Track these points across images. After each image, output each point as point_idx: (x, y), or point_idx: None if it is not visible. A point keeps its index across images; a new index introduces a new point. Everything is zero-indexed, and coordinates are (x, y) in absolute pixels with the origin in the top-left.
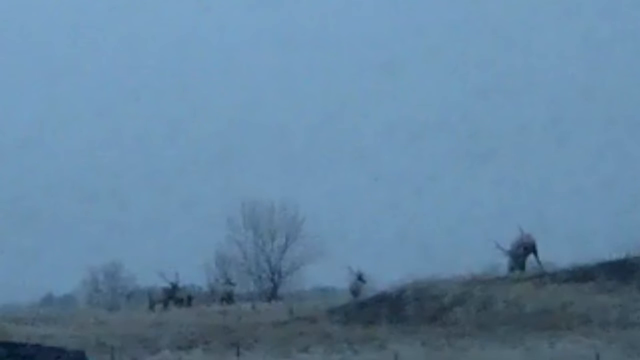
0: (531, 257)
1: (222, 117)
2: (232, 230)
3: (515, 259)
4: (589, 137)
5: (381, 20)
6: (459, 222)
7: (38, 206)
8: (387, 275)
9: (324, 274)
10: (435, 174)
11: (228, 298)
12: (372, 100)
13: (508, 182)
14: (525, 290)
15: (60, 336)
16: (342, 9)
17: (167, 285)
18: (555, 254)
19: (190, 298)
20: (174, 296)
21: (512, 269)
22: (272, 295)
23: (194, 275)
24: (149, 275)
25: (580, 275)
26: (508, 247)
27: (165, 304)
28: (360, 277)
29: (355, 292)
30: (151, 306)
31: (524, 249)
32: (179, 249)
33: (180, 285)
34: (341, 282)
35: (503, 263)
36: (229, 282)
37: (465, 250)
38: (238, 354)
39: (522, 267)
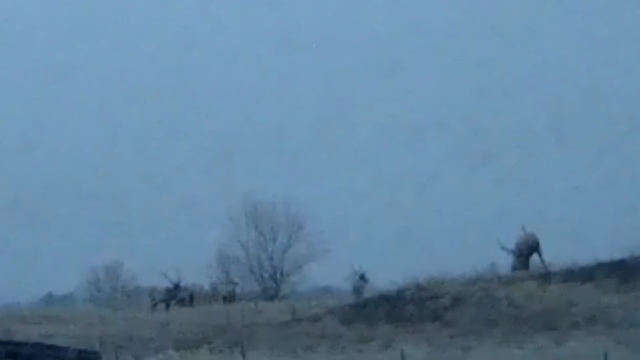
0: (535, 256)
1: (223, 116)
2: (234, 230)
3: (519, 258)
4: (589, 137)
5: (381, 20)
6: (459, 222)
7: (38, 206)
8: (387, 275)
9: (323, 273)
10: (435, 173)
11: (230, 297)
12: (372, 100)
13: (508, 182)
14: (530, 290)
15: (64, 335)
16: (343, 8)
17: (169, 284)
18: (555, 253)
19: (191, 297)
20: (176, 296)
21: (515, 268)
22: (275, 294)
23: (196, 274)
24: (149, 274)
25: (585, 274)
26: (511, 246)
27: (167, 304)
28: (362, 277)
29: (357, 291)
30: (153, 306)
31: (528, 249)
32: (181, 249)
33: (182, 284)
34: (340, 281)
35: (501, 262)
36: (231, 281)
37: (466, 250)
38: (243, 354)
39: (525, 266)
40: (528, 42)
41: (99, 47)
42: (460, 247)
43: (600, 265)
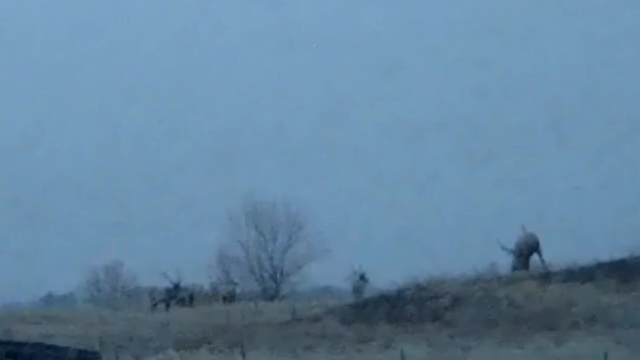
0: (535, 257)
1: (223, 116)
2: (234, 230)
3: (519, 258)
4: (589, 137)
5: (381, 20)
6: (459, 222)
7: (38, 206)
8: (387, 275)
9: (322, 273)
10: (435, 173)
11: (230, 298)
12: (372, 100)
13: (508, 182)
14: (530, 290)
15: (64, 335)
16: (343, 8)
17: (169, 284)
18: (555, 253)
19: (191, 297)
20: (176, 296)
21: (515, 268)
22: (275, 294)
23: (196, 274)
24: (149, 274)
25: (585, 274)
26: (511, 246)
27: (167, 304)
28: (362, 277)
29: (357, 291)
30: (153, 306)
31: (528, 249)
32: (180, 249)
33: (182, 284)
34: (340, 281)
35: (501, 262)
36: (231, 281)
37: (465, 250)
38: (243, 354)
39: (526, 266)
40: (528, 42)
41: (99, 47)
42: (460, 247)
43: (600, 265)
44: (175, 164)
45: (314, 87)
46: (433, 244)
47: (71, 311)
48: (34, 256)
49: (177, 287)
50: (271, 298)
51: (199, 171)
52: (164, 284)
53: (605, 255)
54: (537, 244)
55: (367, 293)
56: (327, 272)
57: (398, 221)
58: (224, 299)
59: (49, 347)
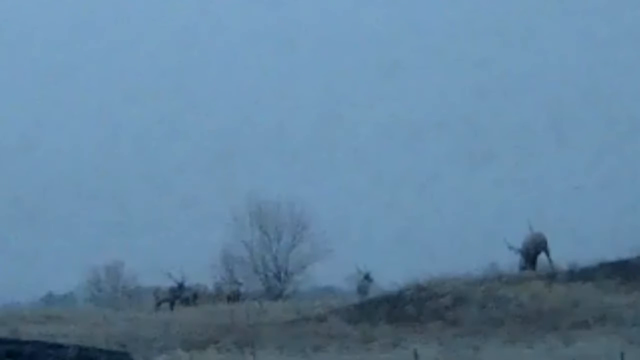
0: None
1: (223, 116)
2: (238, 230)
3: (527, 257)
4: (589, 137)
5: (381, 20)
6: (459, 222)
7: (38, 206)
8: (387, 275)
9: (324, 273)
10: (435, 173)
11: (234, 297)
12: (372, 100)
13: (508, 182)
14: (538, 289)
15: (70, 335)
16: (343, 8)
17: (172, 284)
18: (555, 253)
19: (195, 296)
20: (180, 295)
21: (523, 268)
22: (279, 294)
23: (200, 274)
24: (151, 274)
25: (592, 274)
26: (518, 246)
27: (172, 303)
28: (367, 277)
29: (362, 291)
30: (157, 305)
31: (535, 248)
32: (184, 249)
33: (186, 284)
34: (341, 281)
35: (501, 262)
36: (235, 281)
37: (466, 250)
38: (253, 354)
39: (533, 266)
40: (528, 42)
41: (99, 47)
42: (460, 247)
43: (606, 265)
44: (175, 164)
45: (314, 87)
46: (433, 244)
47: (73, 311)
48: (34, 256)
49: (181, 286)
50: (276, 298)
51: (200, 171)
52: (166, 283)
53: (605, 255)
54: (545, 243)
55: (372, 293)
56: (327, 272)
57: (398, 221)
58: (228, 298)
59: (60, 346)
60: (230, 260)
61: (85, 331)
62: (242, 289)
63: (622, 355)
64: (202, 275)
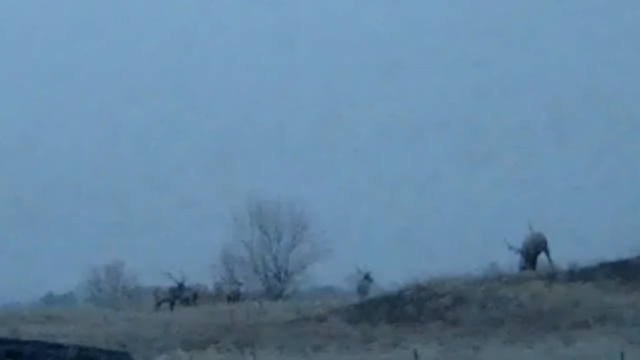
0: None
1: (223, 116)
2: (238, 230)
3: (527, 257)
4: (589, 137)
5: (381, 20)
6: (459, 222)
7: (38, 206)
8: (387, 275)
9: (323, 273)
10: (435, 173)
11: (234, 297)
12: (372, 100)
13: (508, 182)
14: (538, 289)
15: (70, 335)
16: (343, 9)
17: (172, 284)
18: (555, 254)
19: (195, 296)
20: (180, 295)
21: (523, 268)
22: (279, 294)
23: (200, 274)
24: (151, 274)
25: (592, 274)
26: (518, 246)
27: (172, 303)
28: (367, 277)
29: (362, 291)
30: (157, 305)
31: (535, 248)
32: (182, 249)
33: (186, 284)
34: (341, 281)
35: (501, 262)
36: (235, 281)
37: (466, 250)
38: (253, 354)
39: (533, 266)
40: (528, 42)
41: (99, 47)
42: (460, 247)
43: (607, 265)
44: (175, 164)
45: (314, 87)
46: (433, 244)
47: (73, 311)
48: (34, 256)
49: (181, 286)
50: (276, 298)
51: (200, 171)
52: (166, 283)
53: (605, 255)
54: (545, 243)
55: (372, 293)
56: (327, 272)
57: (398, 221)
58: (228, 298)
59: (60, 346)
60: (230, 260)
61: (85, 331)
62: (242, 289)
63: (622, 355)
64: (202, 275)
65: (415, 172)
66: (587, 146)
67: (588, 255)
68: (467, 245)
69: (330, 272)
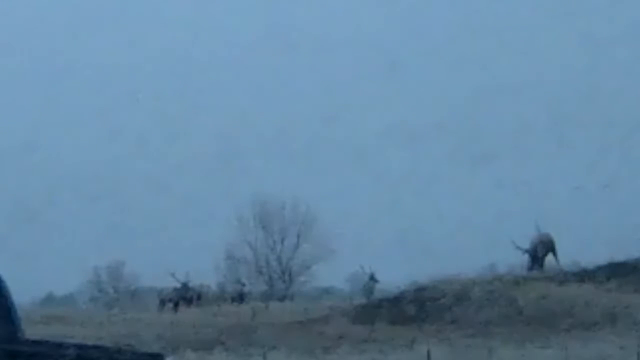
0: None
1: (226, 117)
2: (241, 230)
3: (534, 258)
4: (589, 137)
5: (381, 20)
6: (459, 222)
7: (38, 206)
8: (387, 275)
9: (324, 274)
10: (435, 174)
11: (239, 298)
12: (372, 101)
13: (508, 183)
14: (547, 290)
15: (75, 336)
16: (343, 9)
17: (175, 284)
18: (559, 254)
19: (199, 296)
20: (185, 296)
21: (530, 268)
22: (284, 295)
23: (204, 275)
24: (152, 275)
25: (602, 274)
26: (524, 246)
27: (176, 304)
28: (372, 277)
29: (368, 292)
30: (162, 306)
31: (543, 248)
32: (187, 249)
33: (190, 285)
34: (341, 282)
35: (500, 263)
36: (238, 281)
37: (466, 250)
38: (264, 355)
39: (541, 266)
40: (528, 42)
41: (99, 48)
42: (460, 247)
43: (616, 265)
44: (178, 164)
45: (314, 87)
46: (433, 245)
47: (75, 312)
48: (34, 256)
49: (186, 287)
50: (282, 298)
51: (203, 171)
52: (168, 284)
53: (604, 256)
54: (552, 243)
55: (375, 293)
56: (327, 273)
57: (398, 221)
58: (233, 299)
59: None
60: (233, 261)
61: (90, 332)
62: (246, 290)
63: (638, 355)
64: (205, 275)
65: (416, 172)
66: (587, 146)
67: (588, 255)
68: (467, 245)
69: (331, 272)
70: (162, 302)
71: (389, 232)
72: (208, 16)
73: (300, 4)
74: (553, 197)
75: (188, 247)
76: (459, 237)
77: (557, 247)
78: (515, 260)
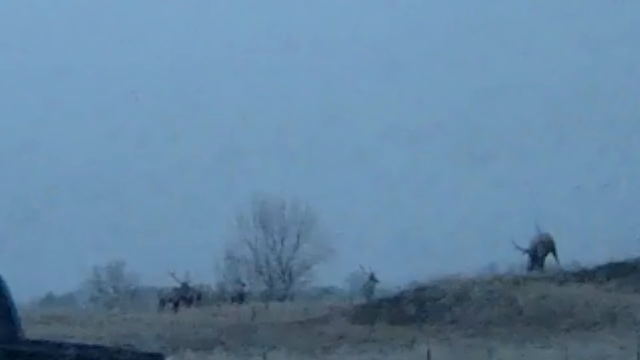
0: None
1: (226, 116)
2: (241, 230)
3: (534, 258)
4: (589, 137)
5: (381, 20)
6: (459, 222)
7: (38, 206)
8: (386, 275)
9: (323, 274)
10: (435, 174)
11: (239, 298)
12: (372, 101)
13: (508, 183)
14: (547, 290)
15: (75, 336)
16: (343, 9)
17: (176, 284)
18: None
19: (199, 296)
20: (185, 296)
21: (531, 268)
22: (285, 295)
23: (203, 275)
24: (151, 275)
25: (601, 274)
26: (524, 246)
27: (176, 304)
28: (372, 277)
29: (368, 292)
30: (162, 306)
31: (543, 249)
32: (187, 249)
33: (190, 284)
34: (341, 282)
35: (500, 263)
36: (238, 281)
37: (466, 250)
38: (264, 355)
39: (541, 266)
40: (528, 42)
41: (99, 48)
42: (461, 247)
43: (616, 265)
44: (178, 164)
45: (314, 87)
46: (433, 245)
47: (75, 312)
48: (34, 256)
49: (186, 287)
50: (282, 298)
51: (203, 171)
52: (167, 284)
53: (604, 256)
54: (552, 243)
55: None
56: (327, 273)
57: (398, 222)
58: (233, 299)
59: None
60: (233, 261)
61: (91, 332)
62: (246, 290)
63: (639, 355)
64: (205, 275)
65: (416, 172)
66: (587, 146)
67: (588, 255)
68: (467, 245)
69: (330, 272)
70: (162, 302)
71: (389, 232)
72: (208, 16)
73: (300, 4)
74: (553, 197)
75: (188, 247)
76: (459, 237)
77: (557, 247)
78: (515, 260)
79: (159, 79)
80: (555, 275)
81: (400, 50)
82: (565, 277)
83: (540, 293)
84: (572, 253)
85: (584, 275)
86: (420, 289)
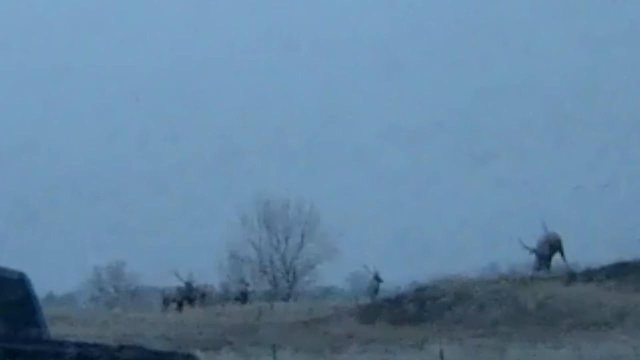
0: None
1: (228, 116)
2: (245, 230)
3: (541, 257)
4: (589, 137)
5: (381, 20)
6: (459, 222)
7: (39, 206)
8: (387, 275)
9: (324, 274)
10: (435, 173)
11: (243, 298)
12: (372, 101)
13: (508, 183)
14: (555, 290)
15: (80, 336)
16: (343, 9)
17: (178, 284)
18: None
19: (203, 296)
20: (188, 296)
21: (538, 268)
22: (289, 294)
23: (207, 275)
24: (153, 274)
25: (608, 274)
26: (531, 245)
27: (180, 304)
28: (377, 277)
29: (372, 291)
30: (165, 305)
31: (550, 248)
32: (188, 249)
33: (194, 284)
34: (342, 281)
35: (501, 263)
36: (242, 281)
37: (466, 250)
38: (274, 355)
39: (548, 266)
40: (528, 42)
41: (99, 48)
42: (461, 247)
43: (623, 265)
44: (180, 163)
45: (314, 87)
46: (433, 245)
47: (77, 312)
48: (34, 256)
49: (190, 287)
50: (286, 298)
51: (206, 170)
52: (169, 284)
53: (604, 256)
54: (560, 243)
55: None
56: (328, 272)
57: (398, 221)
58: (236, 299)
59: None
60: (237, 260)
61: (95, 332)
62: (250, 289)
63: None
64: (209, 275)
65: (416, 172)
66: (587, 146)
67: (588, 255)
68: (467, 245)
69: (331, 272)
70: (166, 302)
71: (389, 232)
72: (208, 16)
73: (300, 4)
74: (553, 197)
75: (190, 246)
76: (459, 237)
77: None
78: (516, 260)
79: (159, 79)
80: (563, 275)
81: (400, 50)
82: (573, 277)
83: (548, 293)
84: (572, 253)
85: (591, 275)
86: (421, 289)
